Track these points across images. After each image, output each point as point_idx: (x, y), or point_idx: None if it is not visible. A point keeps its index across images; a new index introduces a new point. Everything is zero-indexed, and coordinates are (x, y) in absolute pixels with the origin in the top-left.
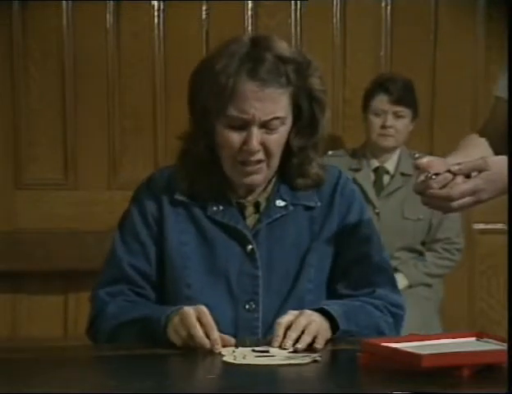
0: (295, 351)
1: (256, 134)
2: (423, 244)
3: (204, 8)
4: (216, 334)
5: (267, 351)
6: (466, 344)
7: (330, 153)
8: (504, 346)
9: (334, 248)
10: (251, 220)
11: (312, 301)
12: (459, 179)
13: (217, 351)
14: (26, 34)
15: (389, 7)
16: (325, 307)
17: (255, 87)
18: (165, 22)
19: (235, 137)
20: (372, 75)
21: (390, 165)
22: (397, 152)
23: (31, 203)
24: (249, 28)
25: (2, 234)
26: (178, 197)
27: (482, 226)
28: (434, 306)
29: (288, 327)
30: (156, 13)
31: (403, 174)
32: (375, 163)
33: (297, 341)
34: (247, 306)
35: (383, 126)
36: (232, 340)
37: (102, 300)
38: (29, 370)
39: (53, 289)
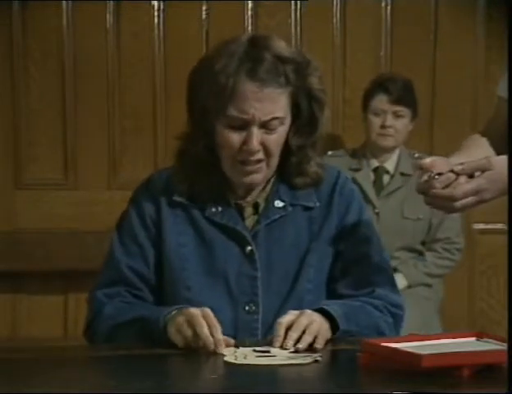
0: (296, 351)
1: (256, 134)
2: (423, 244)
3: (204, 8)
4: (220, 335)
5: (268, 351)
6: (466, 344)
7: (330, 153)
8: (504, 346)
9: (333, 248)
10: (250, 221)
11: (311, 301)
12: (462, 179)
13: (220, 352)
14: (26, 34)
15: (389, 7)
16: (325, 307)
17: (255, 87)
18: (165, 22)
19: (235, 137)
20: (372, 75)
21: (389, 165)
22: (397, 152)
23: (31, 203)
24: (249, 28)
25: (2, 234)
26: (176, 198)
27: (482, 226)
28: (434, 306)
29: (289, 327)
30: (156, 13)
31: (402, 174)
32: (375, 163)
33: (298, 341)
34: (247, 307)
35: (383, 126)
36: (232, 341)
37: (100, 301)
38: (29, 370)
39: (53, 289)
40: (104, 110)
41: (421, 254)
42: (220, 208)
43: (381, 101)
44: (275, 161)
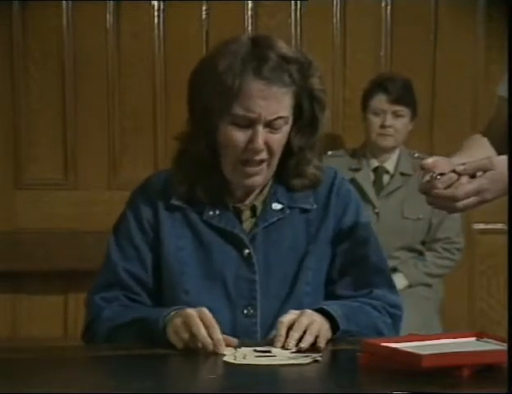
0: (297, 351)
1: (261, 132)
2: (423, 243)
3: (204, 8)
4: (219, 335)
5: (269, 351)
6: (466, 344)
7: (330, 153)
8: (504, 346)
9: (331, 249)
10: (248, 224)
11: (310, 304)
12: (464, 179)
13: (221, 352)
14: (26, 34)
15: (389, 7)
16: (325, 307)
17: (261, 85)
18: (165, 22)
19: (240, 136)
20: (372, 75)
21: (389, 165)
22: (396, 151)
23: (31, 203)
24: (249, 28)
25: (2, 234)
26: (174, 202)
27: (482, 226)
28: (434, 306)
29: (290, 327)
30: (156, 13)
31: (402, 174)
32: (375, 163)
33: (299, 340)
34: (245, 311)
35: (382, 126)
36: (234, 340)
37: (98, 305)
38: (29, 370)
39: (53, 289)
40: (104, 110)
41: (421, 253)
42: (218, 212)
43: (380, 101)
44: (275, 162)
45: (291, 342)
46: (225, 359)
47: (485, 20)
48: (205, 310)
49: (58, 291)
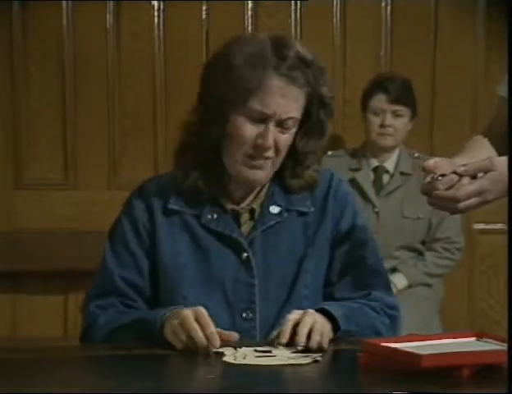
0: (297, 351)
1: (272, 131)
2: (423, 243)
3: (204, 8)
4: (212, 329)
5: (269, 351)
6: (466, 344)
7: (330, 153)
8: (504, 346)
9: (329, 252)
10: (246, 227)
11: (309, 307)
12: (466, 180)
13: (217, 347)
14: (26, 34)
15: (389, 7)
16: (325, 307)
17: (281, 83)
18: (165, 22)
19: (251, 130)
20: (372, 75)
21: (389, 164)
22: (396, 151)
23: (31, 203)
24: (249, 28)
25: (2, 234)
26: (172, 206)
27: (482, 226)
28: (434, 306)
29: (295, 325)
30: (156, 13)
31: (402, 173)
32: (374, 163)
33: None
34: (244, 315)
35: (382, 125)
36: (235, 334)
37: (93, 313)
38: (29, 370)
39: (53, 289)
40: (104, 110)
41: (421, 253)
42: (215, 215)
43: (380, 100)
44: (279, 162)
45: (302, 338)
46: (225, 359)
47: (485, 20)
48: (201, 309)
49: (58, 291)
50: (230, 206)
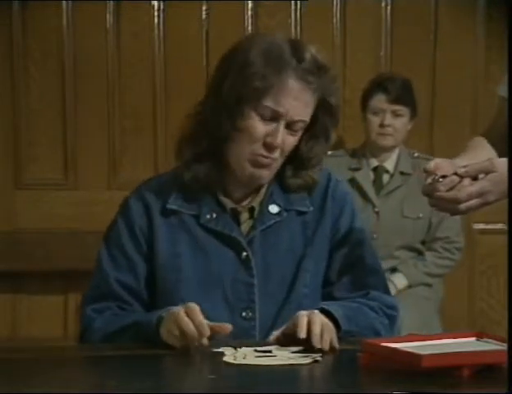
0: (298, 351)
1: (282, 131)
2: (423, 243)
3: (204, 8)
4: (199, 318)
5: (269, 351)
6: (466, 344)
7: (329, 153)
8: (504, 346)
9: (328, 252)
10: (245, 226)
11: (308, 306)
12: (466, 181)
13: (206, 336)
14: (26, 34)
15: (389, 7)
16: (326, 307)
17: (297, 85)
18: (165, 22)
19: (262, 127)
20: (372, 75)
21: (389, 164)
22: (396, 151)
23: (31, 203)
24: (249, 28)
25: (2, 234)
26: (170, 206)
27: (482, 226)
28: (434, 306)
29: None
30: (156, 13)
31: (402, 173)
32: (374, 162)
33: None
34: (243, 314)
35: (381, 125)
36: (228, 326)
37: (89, 316)
38: (29, 370)
39: (53, 289)
40: (104, 110)
41: (421, 253)
42: (214, 215)
43: (379, 100)
44: (281, 163)
45: (315, 338)
46: (225, 359)
47: (485, 20)
48: (191, 304)
49: (58, 291)
50: (229, 205)
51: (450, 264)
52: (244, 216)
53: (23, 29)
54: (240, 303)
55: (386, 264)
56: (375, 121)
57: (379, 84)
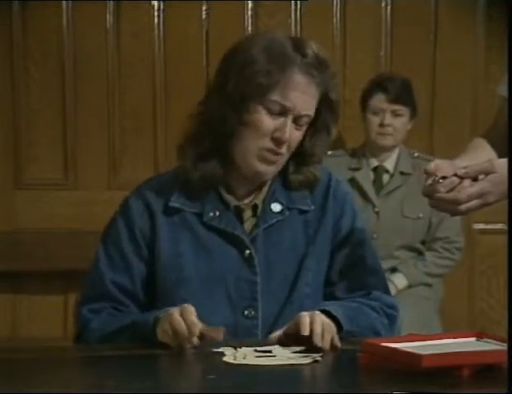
0: (298, 351)
1: (290, 125)
2: (423, 243)
3: (204, 8)
4: (192, 318)
5: (269, 351)
6: (466, 344)
7: (329, 152)
8: (504, 346)
9: (329, 251)
10: (248, 224)
11: (310, 305)
12: (467, 182)
13: (195, 335)
14: (26, 34)
15: (389, 7)
16: (327, 308)
17: (303, 79)
18: (165, 22)
19: (270, 122)
20: (372, 75)
21: (389, 164)
22: (396, 151)
23: (31, 203)
24: (249, 28)
25: (2, 234)
26: (173, 204)
27: (482, 226)
28: (434, 306)
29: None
30: (156, 13)
31: (402, 173)
32: (374, 162)
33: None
34: (246, 312)
35: (381, 125)
36: (220, 332)
37: (85, 317)
38: (29, 370)
39: (53, 289)
40: (104, 110)
41: (421, 253)
42: (217, 213)
43: (379, 100)
44: (286, 159)
45: (318, 337)
46: (225, 359)
47: (485, 20)
48: (186, 306)
49: (58, 291)
50: (233, 202)
51: (450, 264)
52: (247, 213)
53: (23, 29)
54: (242, 301)
55: (386, 264)
56: (375, 120)
57: (379, 84)
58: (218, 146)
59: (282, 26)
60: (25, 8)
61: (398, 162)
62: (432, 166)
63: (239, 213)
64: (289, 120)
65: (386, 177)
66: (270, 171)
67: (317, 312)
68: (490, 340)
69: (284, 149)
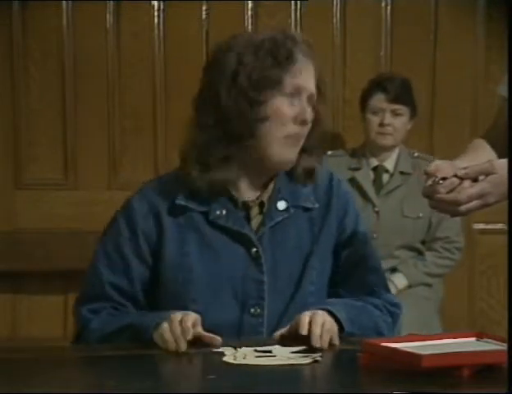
0: (298, 351)
1: (306, 105)
2: (423, 243)
3: (204, 8)
4: (188, 324)
5: (269, 351)
6: (466, 344)
7: (329, 152)
8: (504, 346)
9: (333, 250)
10: (255, 222)
11: (314, 303)
12: (467, 183)
13: (182, 348)
14: (26, 34)
15: (389, 7)
16: (330, 308)
17: (305, 59)
18: (165, 22)
19: (290, 108)
20: (372, 75)
21: (389, 164)
22: (396, 151)
23: (31, 203)
24: (249, 28)
25: (2, 234)
26: (179, 202)
27: (482, 226)
28: (434, 306)
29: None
30: (156, 13)
31: (402, 173)
32: (374, 162)
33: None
34: (252, 310)
35: (381, 124)
36: (218, 338)
37: (85, 317)
38: (29, 370)
39: (53, 289)
40: (104, 110)
41: (421, 253)
42: (224, 211)
43: (379, 100)
44: (302, 142)
45: (316, 339)
46: (225, 359)
47: (485, 20)
48: (190, 314)
49: (58, 291)
50: (241, 199)
51: (450, 264)
52: (255, 211)
53: (23, 29)
54: (249, 299)
55: (386, 264)
56: (374, 120)
57: (378, 84)
58: (232, 151)
59: (282, 26)
60: (25, 8)
61: (398, 162)
62: (432, 167)
63: (247, 210)
64: (304, 100)
65: (385, 177)
66: (294, 156)
67: (320, 311)
68: (490, 340)
69: (306, 130)
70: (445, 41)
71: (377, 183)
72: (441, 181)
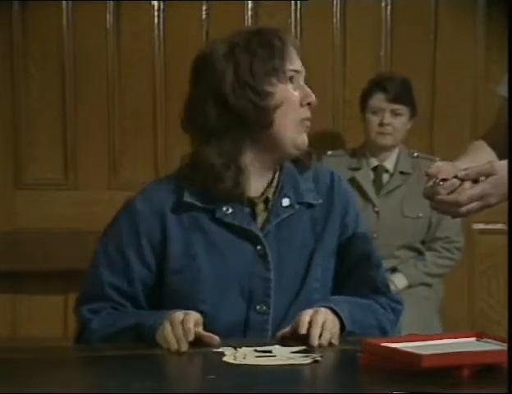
0: (298, 351)
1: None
2: (423, 243)
3: (204, 8)
4: (190, 324)
5: (269, 351)
6: (466, 344)
7: (329, 152)
8: (504, 346)
9: (336, 247)
10: (260, 219)
11: (318, 300)
12: (467, 184)
13: (183, 350)
14: (26, 34)
15: (389, 7)
16: (333, 306)
17: (295, 44)
18: (165, 22)
19: (294, 92)
20: (372, 75)
21: (389, 164)
22: (396, 150)
23: (31, 203)
24: None
25: (2, 234)
26: (186, 199)
27: (482, 226)
28: (434, 306)
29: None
30: (156, 13)
31: (402, 172)
32: (374, 162)
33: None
34: (258, 307)
35: (381, 124)
36: (216, 338)
37: (85, 317)
38: (29, 370)
39: (53, 289)
40: (104, 110)
41: (421, 253)
42: (230, 209)
43: (379, 99)
44: None
45: (314, 339)
46: (225, 359)
47: (485, 20)
48: (192, 314)
49: (58, 291)
50: (247, 195)
51: (450, 264)
52: (260, 207)
53: (23, 29)
54: (255, 297)
55: (386, 264)
56: (374, 120)
57: (378, 84)
58: (242, 150)
59: (282, 26)
60: (25, 8)
61: (398, 162)
62: (433, 168)
63: (252, 207)
64: (303, 82)
65: (385, 177)
66: (306, 138)
67: (323, 309)
68: (490, 340)
69: (312, 113)
70: (445, 41)
71: (377, 183)
72: (441, 183)
